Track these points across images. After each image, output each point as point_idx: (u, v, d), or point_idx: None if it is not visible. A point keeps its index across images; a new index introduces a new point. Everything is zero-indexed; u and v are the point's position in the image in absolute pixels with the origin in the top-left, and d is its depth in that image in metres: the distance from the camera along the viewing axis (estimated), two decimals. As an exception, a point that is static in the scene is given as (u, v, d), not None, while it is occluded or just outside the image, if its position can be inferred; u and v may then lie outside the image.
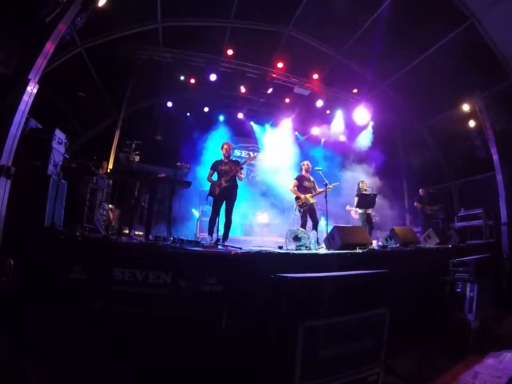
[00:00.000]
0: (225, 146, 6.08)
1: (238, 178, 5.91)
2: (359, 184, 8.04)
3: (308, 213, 6.76)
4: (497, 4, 6.94)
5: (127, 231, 5.49)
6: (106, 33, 7.97)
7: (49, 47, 4.89)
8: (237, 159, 6.16)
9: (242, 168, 5.99)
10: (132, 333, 3.13)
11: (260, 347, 2.98)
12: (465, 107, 9.08)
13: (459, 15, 7.59)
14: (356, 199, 7.90)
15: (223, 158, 6.06)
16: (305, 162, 7.23)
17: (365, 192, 7.81)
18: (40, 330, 2.96)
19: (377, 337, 3.05)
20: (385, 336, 3.11)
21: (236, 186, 5.91)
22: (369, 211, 7.79)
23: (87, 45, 7.84)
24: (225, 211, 5.80)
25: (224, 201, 5.81)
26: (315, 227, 6.66)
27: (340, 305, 2.82)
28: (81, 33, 7.14)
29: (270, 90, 10.08)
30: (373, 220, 7.75)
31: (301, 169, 7.23)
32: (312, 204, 6.75)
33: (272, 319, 2.85)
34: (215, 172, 5.99)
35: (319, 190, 6.86)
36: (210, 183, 5.97)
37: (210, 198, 5.94)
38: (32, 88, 4.41)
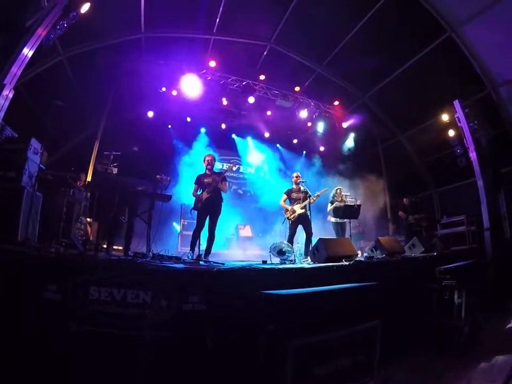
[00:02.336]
0: (207, 158, 5.95)
1: (222, 190, 5.73)
2: (336, 191, 7.95)
3: (301, 223, 6.62)
4: (475, 17, 7.19)
5: (105, 246, 5.27)
6: (89, 42, 7.89)
7: (27, 52, 4.77)
8: (220, 171, 5.98)
9: (225, 179, 5.83)
10: (110, 356, 2.92)
11: (248, 367, 2.83)
12: (445, 117, 9.29)
13: (438, 28, 7.82)
14: (330, 205, 7.83)
15: (205, 170, 5.94)
16: (294, 174, 7.13)
17: (348, 203, 7.73)
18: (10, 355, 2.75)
19: (369, 350, 2.99)
20: (378, 348, 3.02)
21: (220, 199, 5.73)
22: (344, 220, 7.62)
23: (69, 54, 7.72)
24: (209, 225, 5.59)
25: (208, 215, 5.62)
26: (309, 238, 6.43)
27: (330, 320, 2.72)
28: (64, 42, 7.06)
29: (251, 100, 10.01)
30: (347, 230, 7.59)
31: (292, 182, 7.14)
32: (302, 214, 6.60)
33: (260, 338, 2.70)
34: (199, 186, 5.84)
35: (305, 202, 6.68)
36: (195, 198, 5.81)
37: (194, 212, 5.77)
38: (7, 94, 4.25)
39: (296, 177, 7.00)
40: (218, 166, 11.71)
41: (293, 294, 2.75)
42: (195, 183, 5.86)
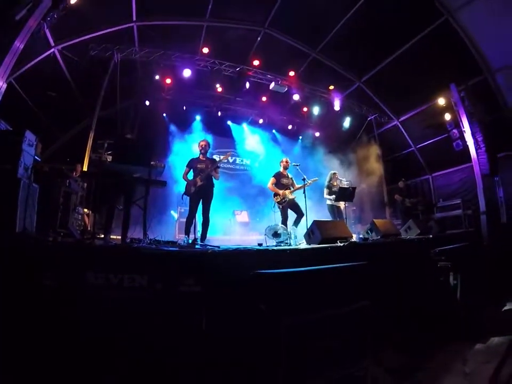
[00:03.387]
0: (201, 143, 5.97)
1: (214, 177, 5.81)
2: (330, 175, 8.01)
3: (290, 208, 6.64)
4: (472, 1, 7.10)
5: (102, 235, 5.30)
6: (81, 33, 7.77)
7: (18, 45, 4.76)
8: (214, 158, 6.08)
9: (219, 167, 5.86)
10: (107, 340, 2.96)
11: (243, 346, 2.87)
12: (441, 101, 9.29)
13: (434, 11, 7.74)
14: (326, 190, 7.88)
15: (199, 155, 5.97)
16: (284, 159, 7.14)
17: (343, 186, 7.76)
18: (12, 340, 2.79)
19: (362, 330, 2.99)
20: (371, 329, 3.05)
21: (212, 185, 5.81)
22: (340, 204, 7.72)
23: (61, 45, 7.62)
24: (203, 210, 5.67)
25: (201, 200, 5.69)
26: (298, 221, 6.50)
27: (322, 299, 2.75)
28: (55, 34, 7.00)
29: (247, 85, 9.92)
30: (343, 213, 7.68)
31: (280, 166, 7.12)
32: (291, 199, 6.64)
33: (254, 318, 2.74)
34: (191, 170, 5.87)
35: (297, 186, 6.77)
36: (186, 182, 5.83)
37: (186, 197, 5.81)
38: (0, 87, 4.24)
39: (286, 162, 7.02)
40: (215, 158, 11.86)
41: (282, 272, 2.78)
42: (187, 166, 5.89)
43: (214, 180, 5.83)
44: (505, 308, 5.36)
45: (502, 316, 5.08)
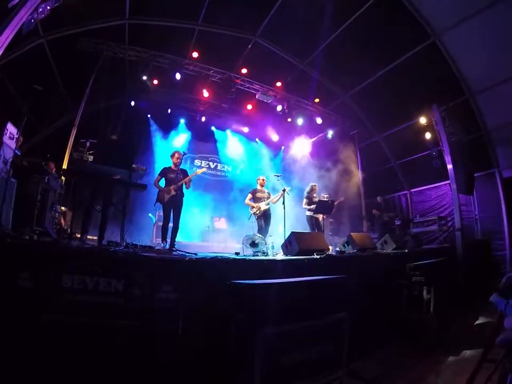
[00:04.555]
0: (176, 155, 6.16)
1: (186, 187, 6.08)
2: (311, 186, 8.20)
3: (263, 218, 7.18)
4: (460, 25, 7.36)
5: (79, 235, 5.18)
6: (72, 25, 7.65)
7: (8, 34, 4.63)
8: (185, 169, 6.29)
9: (191, 180, 6.11)
10: (82, 345, 2.91)
11: (220, 355, 2.87)
12: (422, 120, 9.55)
13: (422, 33, 7.97)
14: (305, 201, 8.02)
15: (172, 165, 6.17)
16: (260, 177, 7.67)
17: (322, 199, 7.90)
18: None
19: (338, 341, 3.04)
20: (346, 341, 3.09)
21: (182, 195, 6.08)
22: (319, 216, 7.91)
23: (50, 37, 7.45)
24: (173, 218, 5.94)
25: (172, 210, 5.95)
26: (267, 229, 7.18)
27: (298, 311, 2.77)
28: (45, 24, 6.81)
29: (232, 94, 9.97)
30: (322, 226, 7.85)
31: (257, 183, 7.63)
32: (266, 210, 7.23)
33: (230, 327, 2.74)
34: (162, 178, 6.10)
35: (273, 197, 7.39)
36: (157, 189, 6.05)
37: (159, 204, 6.05)
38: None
39: (263, 180, 7.62)
40: (197, 163, 12.01)
41: (260, 284, 2.80)
42: (159, 175, 6.12)
43: (184, 189, 6.10)
44: (478, 321, 5.52)
45: (474, 329, 5.21)
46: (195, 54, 9.35)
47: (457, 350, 4.30)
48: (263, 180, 7.65)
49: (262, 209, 7.20)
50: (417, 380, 3.64)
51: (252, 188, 7.72)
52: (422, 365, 4.00)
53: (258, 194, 7.43)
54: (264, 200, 7.31)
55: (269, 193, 7.54)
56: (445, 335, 4.86)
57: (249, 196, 7.45)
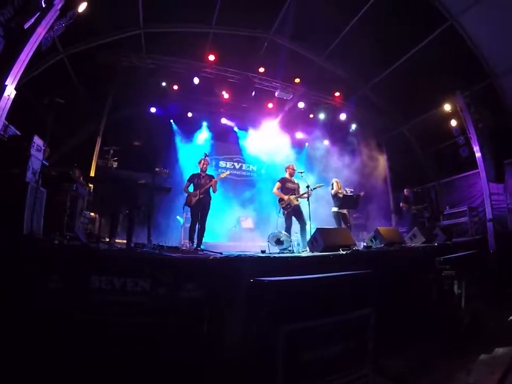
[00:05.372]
0: (202, 161, 6.53)
1: (213, 191, 6.39)
2: (333, 184, 7.91)
3: (294, 215, 6.60)
4: (475, 5, 7.08)
5: (107, 239, 5.38)
6: (89, 39, 7.90)
7: (27, 53, 4.85)
8: (211, 174, 6.66)
9: (216, 183, 6.41)
10: (111, 343, 3.00)
11: (243, 352, 2.88)
12: (447, 107, 9.25)
13: (438, 17, 7.72)
14: (333, 199, 7.82)
15: (199, 171, 6.50)
16: (290, 165, 7.16)
17: (347, 194, 7.76)
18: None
19: (363, 338, 2.97)
20: (372, 337, 3.03)
21: (209, 198, 6.41)
22: (345, 211, 7.67)
23: (69, 52, 7.74)
24: (200, 219, 6.24)
25: (199, 212, 6.26)
26: (303, 229, 6.48)
27: (321, 307, 2.74)
28: (63, 40, 7.08)
29: (252, 93, 10.10)
30: (349, 220, 7.67)
31: (285, 172, 7.15)
32: (296, 205, 6.60)
33: (253, 324, 2.75)
34: (191, 184, 6.44)
35: (302, 192, 6.76)
36: (186, 194, 6.43)
37: (187, 207, 6.45)
38: (9, 94, 4.34)
39: (292, 168, 7.05)
40: (222, 164, 12.16)
41: (283, 280, 2.78)
42: (188, 181, 6.54)
43: (212, 193, 6.43)
44: (511, 317, 5.30)
45: (507, 325, 5.00)
46: (211, 57, 9.43)
47: (489, 347, 4.11)
48: (293, 168, 7.05)
49: (293, 204, 6.53)
50: (446, 378, 3.51)
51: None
52: (451, 362, 3.83)
53: (288, 185, 6.80)
54: (294, 193, 6.68)
55: (298, 185, 6.94)
56: (477, 331, 4.67)
57: (278, 184, 6.83)
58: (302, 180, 7.00)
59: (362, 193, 8.09)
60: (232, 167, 12.61)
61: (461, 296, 4.81)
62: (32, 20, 4.85)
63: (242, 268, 3.56)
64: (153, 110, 10.44)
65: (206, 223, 6.34)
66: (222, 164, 12.38)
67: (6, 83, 4.53)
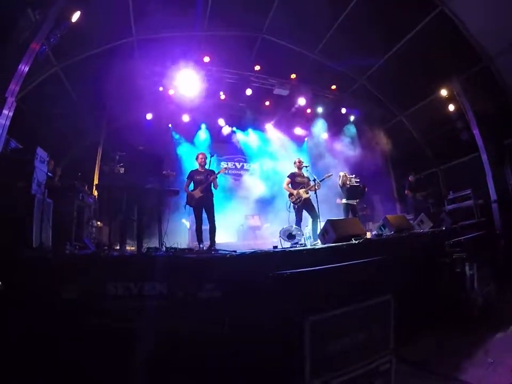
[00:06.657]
0: (200, 156, 6.36)
1: (214, 187, 6.16)
2: (341, 177, 7.90)
3: (305, 209, 6.65)
4: None
5: (118, 247, 5.38)
6: (82, 50, 7.90)
7: (24, 67, 4.85)
8: (212, 170, 6.42)
9: (217, 178, 6.21)
10: (130, 349, 3.00)
11: (267, 348, 2.89)
12: (443, 92, 9.23)
13: (428, 3, 7.71)
14: (342, 191, 7.86)
15: (198, 167, 6.36)
16: (297, 160, 7.21)
17: (353, 184, 7.77)
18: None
19: (384, 324, 3.00)
20: (392, 323, 3.06)
21: (211, 194, 6.16)
22: (354, 202, 7.66)
23: (63, 64, 7.72)
24: (208, 219, 6.03)
25: (204, 209, 6.05)
26: (315, 222, 6.49)
27: (342, 296, 2.77)
28: (57, 53, 7.10)
29: (249, 92, 10.16)
30: (358, 211, 7.70)
31: (294, 167, 7.19)
32: (306, 198, 6.64)
33: (276, 317, 2.77)
34: (192, 182, 6.24)
35: (311, 185, 6.79)
36: (186, 193, 6.18)
37: (188, 207, 6.21)
38: (9, 109, 4.35)
39: (299, 162, 7.09)
40: (223, 165, 11.96)
41: (302, 271, 2.82)
42: (187, 178, 6.31)
43: (213, 189, 6.20)
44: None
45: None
46: (206, 59, 9.42)
47: (505, 325, 4.18)
48: (300, 162, 7.09)
49: (303, 198, 6.57)
50: (466, 360, 3.54)
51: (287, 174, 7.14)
52: (469, 344, 3.88)
53: (298, 179, 6.83)
54: (304, 187, 6.71)
55: (308, 178, 6.96)
56: (491, 311, 4.70)
57: (287, 180, 6.89)
58: (308, 173, 7.05)
59: (366, 188, 8.13)
60: (234, 167, 12.66)
61: (473, 277, 4.83)
62: (26, 33, 4.86)
63: (259, 263, 3.58)
64: (149, 116, 10.42)
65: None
66: (223, 164, 12.33)
67: (6, 95, 4.55)
